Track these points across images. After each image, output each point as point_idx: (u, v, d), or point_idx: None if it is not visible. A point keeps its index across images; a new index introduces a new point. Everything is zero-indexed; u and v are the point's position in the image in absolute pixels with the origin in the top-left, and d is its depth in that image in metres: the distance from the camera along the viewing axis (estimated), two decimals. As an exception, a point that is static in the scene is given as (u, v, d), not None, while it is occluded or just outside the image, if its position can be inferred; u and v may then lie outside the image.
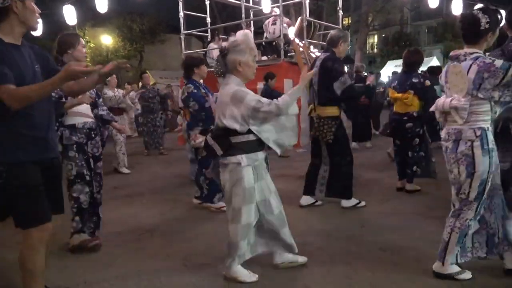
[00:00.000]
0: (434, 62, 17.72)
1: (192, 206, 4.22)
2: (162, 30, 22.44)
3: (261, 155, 2.46)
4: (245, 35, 2.44)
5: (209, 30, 9.94)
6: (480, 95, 2.23)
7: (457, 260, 2.41)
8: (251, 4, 10.16)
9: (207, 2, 9.91)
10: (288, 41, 8.20)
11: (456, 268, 2.41)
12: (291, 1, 11.19)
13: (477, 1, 9.64)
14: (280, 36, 7.97)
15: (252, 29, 9.79)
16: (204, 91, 4.00)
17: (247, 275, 2.52)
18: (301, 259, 2.71)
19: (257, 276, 2.54)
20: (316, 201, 4.10)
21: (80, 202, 3.02)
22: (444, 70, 2.51)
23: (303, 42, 8.27)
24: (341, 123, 3.94)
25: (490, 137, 2.29)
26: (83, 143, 3.05)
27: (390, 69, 18.98)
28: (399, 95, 4.38)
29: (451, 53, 2.43)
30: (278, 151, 2.48)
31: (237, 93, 2.32)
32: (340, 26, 9.81)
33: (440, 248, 2.43)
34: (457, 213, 2.38)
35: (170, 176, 5.99)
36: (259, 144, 2.41)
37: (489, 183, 2.30)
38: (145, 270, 2.78)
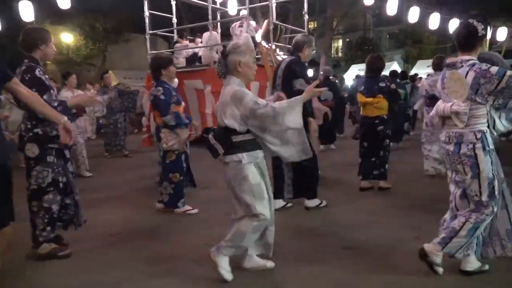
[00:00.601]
0: (395, 66, 18.41)
1: (156, 210, 4.15)
2: (127, 30, 21.86)
3: (261, 153, 2.51)
4: (246, 38, 2.53)
5: (175, 31, 9.81)
6: (478, 99, 2.35)
7: (454, 253, 2.48)
8: (218, 5, 10.13)
9: (173, 2, 9.77)
10: (254, 44, 8.25)
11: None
12: (258, 4, 11.28)
13: (433, 10, 10.14)
14: (247, 38, 8.00)
15: (219, 30, 9.76)
16: (174, 92, 3.93)
17: (226, 270, 2.53)
18: (269, 264, 2.72)
19: (232, 276, 2.53)
20: (287, 204, 4.13)
21: (52, 212, 2.90)
22: (440, 77, 2.63)
23: (270, 45, 8.35)
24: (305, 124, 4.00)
25: (490, 139, 2.42)
26: (62, 148, 2.91)
27: (354, 72, 19.49)
28: (370, 99, 4.53)
29: (448, 61, 2.55)
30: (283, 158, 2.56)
31: (237, 93, 2.37)
32: (305, 30, 9.96)
33: (446, 234, 2.47)
34: (474, 210, 2.43)
35: (133, 179, 5.85)
36: (256, 144, 2.47)
37: (497, 181, 2.42)
38: (109, 277, 2.70)
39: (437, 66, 5.35)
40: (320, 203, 4.06)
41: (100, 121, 8.94)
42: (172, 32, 9.98)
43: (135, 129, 11.58)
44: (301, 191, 4.03)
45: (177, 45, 9.04)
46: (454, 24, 10.58)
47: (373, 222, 3.63)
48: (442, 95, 2.60)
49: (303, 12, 9.24)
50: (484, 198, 2.39)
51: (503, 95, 2.34)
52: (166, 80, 3.94)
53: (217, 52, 8.97)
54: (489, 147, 2.40)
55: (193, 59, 9.04)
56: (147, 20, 9.19)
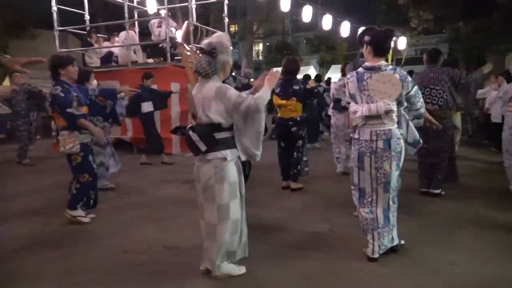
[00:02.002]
0: (312, 70, 19.45)
1: (68, 219, 3.86)
2: (32, 25, 19.91)
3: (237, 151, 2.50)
4: (227, 36, 2.50)
5: (88, 28, 9.22)
6: (401, 99, 2.68)
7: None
8: (135, 4, 9.76)
9: (85, -2, 9.20)
10: (174, 44, 8.11)
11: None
12: (178, 5, 11.10)
13: (344, 19, 10.94)
14: (166, 39, 7.84)
15: (137, 29, 9.40)
16: (75, 93, 3.66)
17: (237, 269, 2.60)
18: (242, 270, 2.65)
19: (244, 267, 2.61)
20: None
21: None
22: (353, 79, 2.77)
23: (190, 46, 8.27)
24: None
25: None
26: None
27: (274, 75, 20.13)
28: (284, 101, 4.69)
29: (369, 65, 2.72)
30: (243, 157, 2.52)
31: (221, 88, 2.37)
32: (226, 33, 10.09)
33: (392, 234, 2.83)
34: (393, 198, 2.80)
35: (44, 188, 5.36)
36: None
37: None
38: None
39: (344, 72, 5.75)
40: None
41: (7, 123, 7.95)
42: (84, 29, 9.37)
43: (38, 135, 10.56)
44: None
45: (91, 42, 8.49)
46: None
47: (291, 219, 3.80)
48: (361, 97, 2.74)
49: (223, 15, 9.32)
50: (398, 186, 2.81)
51: (410, 101, 2.77)
52: (66, 80, 3.68)
53: (134, 52, 8.66)
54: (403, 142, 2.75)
55: (109, 58, 8.58)
56: (55, 16, 8.52)
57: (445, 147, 4.38)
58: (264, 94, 2.41)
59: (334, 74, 18.39)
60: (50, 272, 2.77)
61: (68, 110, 3.54)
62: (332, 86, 5.97)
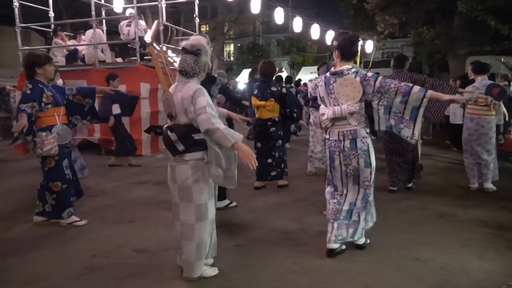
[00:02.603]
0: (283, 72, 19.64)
1: (33, 224, 3.72)
2: (-9, 20, 18.99)
3: None
4: (205, 38, 2.55)
5: (52, 25, 8.89)
6: (369, 97, 2.76)
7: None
8: (102, 2, 9.51)
9: (50, -6, 8.88)
10: (144, 44, 7.96)
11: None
12: (147, 4, 10.92)
13: (314, 22, 11.12)
14: (135, 38, 7.68)
15: (105, 28, 9.17)
16: (50, 93, 3.53)
17: (210, 270, 2.60)
18: (215, 271, 2.65)
19: (216, 268, 2.63)
20: (231, 202, 4.20)
21: None
22: (322, 83, 2.90)
23: (160, 46, 8.15)
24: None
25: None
26: None
27: (246, 76, 20.22)
28: (263, 103, 4.76)
29: (333, 70, 2.85)
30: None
31: (197, 92, 2.34)
32: (197, 33, 10.02)
33: (354, 230, 2.95)
34: (366, 197, 2.92)
35: (4, 192, 5.13)
36: None
37: None
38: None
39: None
40: (230, 203, 4.18)
41: None
42: (49, 26, 9.04)
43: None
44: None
45: (56, 41, 8.19)
46: (330, 36, 11.80)
47: (263, 218, 3.83)
48: (328, 100, 2.88)
49: (194, 15, 9.25)
50: (372, 182, 2.90)
51: (383, 95, 2.74)
52: (42, 80, 3.55)
53: (102, 51, 8.43)
54: (371, 140, 2.87)
55: (73, 57, 8.31)
56: (16, 11, 8.16)
57: (410, 147, 4.57)
58: (225, 131, 2.23)
59: (304, 75, 18.62)
60: (12, 280, 2.65)
61: (20, 105, 3.35)
62: (309, 84, 6.11)
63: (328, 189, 3.04)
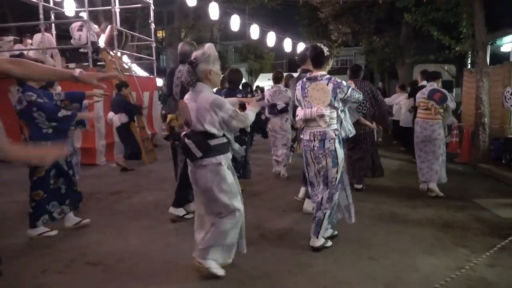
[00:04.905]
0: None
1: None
2: None
3: (230, 155, 2.68)
4: (211, 46, 2.61)
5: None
6: (335, 104, 3.03)
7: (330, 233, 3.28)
8: (51, 4, 9.10)
9: (-7, -5, 8.37)
10: (96, 49, 7.72)
11: (325, 241, 3.15)
12: (100, 8, 10.61)
13: (270, 29, 11.32)
14: (87, 43, 7.42)
15: (54, 32, 8.79)
16: (41, 100, 3.42)
17: (218, 268, 2.66)
18: (221, 272, 2.68)
19: (224, 270, 2.67)
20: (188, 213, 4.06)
21: None
22: (299, 87, 3.20)
23: (114, 51, 7.94)
24: None
25: (341, 136, 3.12)
26: None
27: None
28: None
29: (309, 75, 3.16)
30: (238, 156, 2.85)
31: (216, 101, 2.51)
32: (153, 39, 9.85)
33: (315, 227, 3.11)
34: (331, 196, 3.09)
35: None
36: (228, 146, 2.65)
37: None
38: None
39: (277, 80, 6.05)
40: (186, 214, 4.05)
41: None
42: (-8, 29, 8.51)
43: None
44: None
45: (18, 45, 7.74)
46: (287, 43, 12.05)
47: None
48: (303, 102, 3.16)
49: (150, 21, 9.10)
50: (338, 182, 3.10)
51: (347, 102, 3.12)
52: (33, 85, 3.45)
53: (51, 56, 8.06)
54: (341, 142, 3.12)
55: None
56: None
57: (368, 148, 4.95)
58: (251, 110, 2.75)
59: (262, 82, 18.83)
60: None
61: (60, 114, 3.44)
62: (266, 92, 6.26)
63: (309, 190, 3.34)
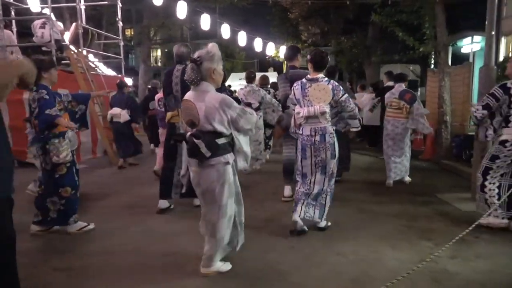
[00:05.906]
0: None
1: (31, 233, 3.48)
2: None
3: (233, 154, 2.67)
4: (215, 46, 2.60)
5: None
6: (333, 104, 3.42)
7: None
8: (11, 0, 8.70)
9: None
10: (60, 47, 7.46)
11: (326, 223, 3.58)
12: (64, 4, 10.26)
13: (241, 29, 11.31)
14: (51, 41, 7.16)
15: (15, 29, 8.41)
16: (59, 98, 3.52)
17: (224, 265, 2.75)
18: (228, 266, 2.78)
19: (229, 263, 2.77)
20: (171, 205, 4.21)
21: None
22: (298, 87, 3.48)
23: (80, 50, 7.71)
24: None
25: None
26: None
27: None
28: None
29: (310, 77, 3.46)
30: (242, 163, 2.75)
31: (226, 100, 2.53)
32: (120, 37, 9.62)
33: (320, 211, 3.47)
34: (330, 183, 3.48)
35: None
36: (233, 145, 2.67)
37: None
38: None
39: (250, 80, 6.08)
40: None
41: None
42: None
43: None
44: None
45: None
46: (258, 43, 12.09)
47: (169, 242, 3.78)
48: (303, 101, 3.45)
49: (117, 19, 8.88)
50: (335, 171, 3.48)
51: (341, 105, 3.48)
52: (47, 84, 3.47)
53: (12, 54, 7.72)
54: (336, 136, 3.45)
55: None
56: None
57: (343, 144, 5.05)
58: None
59: (233, 81, 18.82)
60: None
61: (47, 111, 3.33)
62: (240, 92, 6.26)
63: (298, 179, 3.55)
